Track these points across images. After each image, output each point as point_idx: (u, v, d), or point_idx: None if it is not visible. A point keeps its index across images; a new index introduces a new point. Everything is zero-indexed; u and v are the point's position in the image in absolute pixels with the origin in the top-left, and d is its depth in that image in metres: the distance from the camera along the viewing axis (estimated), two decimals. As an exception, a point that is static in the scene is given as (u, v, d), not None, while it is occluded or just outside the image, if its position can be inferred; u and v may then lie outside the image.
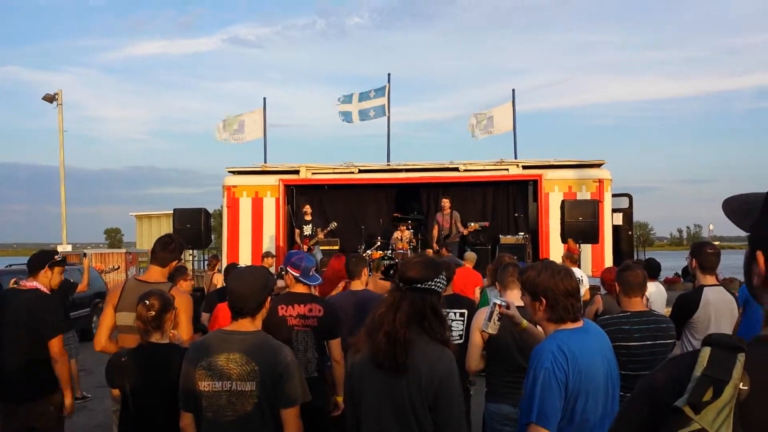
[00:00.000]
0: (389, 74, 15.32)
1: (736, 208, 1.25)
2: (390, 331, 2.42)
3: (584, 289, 7.76)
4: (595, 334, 2.60)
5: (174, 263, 4.11)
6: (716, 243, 6.31)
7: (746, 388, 1.04)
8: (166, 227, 20.69)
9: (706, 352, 1.09)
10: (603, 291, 6.55)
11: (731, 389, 1.03)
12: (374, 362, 2.46)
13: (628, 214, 13.29)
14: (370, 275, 5.35)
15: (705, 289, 4.25)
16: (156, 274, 4.03)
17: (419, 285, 2.49)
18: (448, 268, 3.94)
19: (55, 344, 4.04)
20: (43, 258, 4.33)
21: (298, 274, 4.08)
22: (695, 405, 1.03)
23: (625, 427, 1.21)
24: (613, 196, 12.52)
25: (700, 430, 1.03)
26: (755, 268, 1.17)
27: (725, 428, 1.03)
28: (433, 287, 2.51)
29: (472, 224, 12.21)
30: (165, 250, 4.04)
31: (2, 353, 4.16)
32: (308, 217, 12.34)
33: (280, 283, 4.49)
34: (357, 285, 4.82)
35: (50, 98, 21.97)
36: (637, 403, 1.19)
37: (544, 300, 2.56)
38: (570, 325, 2.54)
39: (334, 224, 12.37)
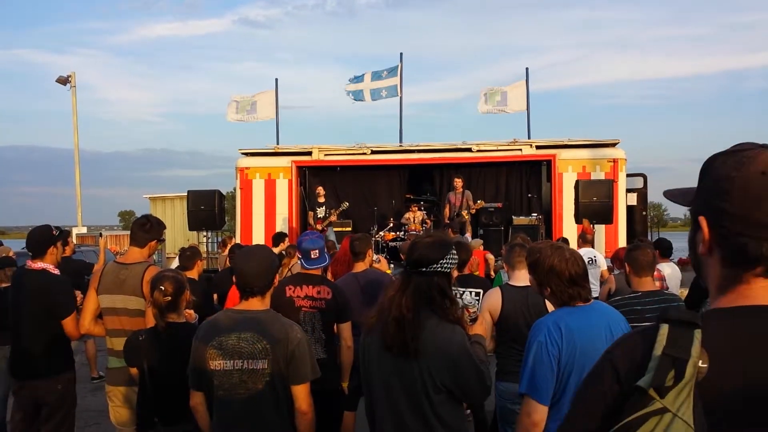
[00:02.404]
0: (401, 54, 15.19)
1: (677, 192, 1.31)
2: (398, 316, 2.43)
3: (601, 269, 7.74)
4: (601, 312, 2.60)
5: (153, 243, 4.11)
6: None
7: (705, 365, 1.05)
8: (180, 209, 20.77)
9: (665, 329, 1.08)
10: (616, 271, 6.53)
11: (691, 368, 1.04)
12: (384, 345, 2.48)
13: (642, 194, 13.18)
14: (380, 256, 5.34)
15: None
16: (135, 254, 4.05)
17: (424, 269, 2.48)
18: (463, 249, 3.92)
19: (69, 323, 4.09)
20: (46, 238, 4.26)
21: (300, 257, 4.09)
22: (659, 388, 1.04)
23: (585, 406, 1.20)
24: (628, 176, 12.41)
25: (662, 409, 1.04)
26: (699, 236, 1.19)
27: (686, 406, 1.03)
28: (439, 269, 2.48)
29: (479, 201, 12.17)
30: (142, 230, 4.06)
31: (16, 333, 4.24)
32: (321, 199, 12.37)
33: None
34: (360, 266, 4.75)
35: (64, 81, 22.04)
36: (598, 381, 1.18)
37: (548, 288, 2.58)
38: (576, 304, 2.56)
39: (345, 204, 12.40)
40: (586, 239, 8.26)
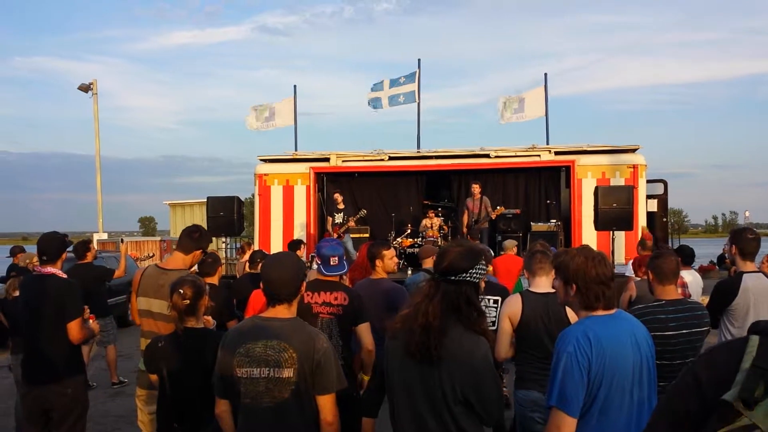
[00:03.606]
0: (419, 60, 15.23)
1: None
2: (424, 323, 2.42)
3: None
4: (626, 322, 2.55)
5: (198, 252, 4.16)
6: (753, 230, 6.15)
7: None
8: (200, 215, 20.94)
9: (755, 341, 1.02)
10: (637, 278, 6.45)
11: None
12: (408, 351, 2.47)
13: (662, 200, 13.05)
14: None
15: (744, 275, 4.18)
16: (177, 261, 4.11)
17: (453, 277, 2.47)
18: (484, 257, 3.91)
19: (74, 326, 4.12)
20: (59, 245, 4.34)
21: (319, 263, 4.11)
22: (747, 400, 0.97)
23: (667, 420, 1.15)
24: (648, 182, 12.29)
25: (751, 427, 0.97)
26: None
27: None
28: (468, 278, 2.48)
29: (499, 207, 12.11)
30: (189, 237, 4.13)
31: (27, 338, 4.29)
32: (340, 206, 12.39)
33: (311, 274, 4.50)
34: (377, 273, 4.78)
35: (85, 88, 22.35)
36: (681, 395, 1.13)
37: (574, 285, 2.52)
38: (601, 312, 2.51)
39: (363, 211, 12.42)
40: (646, 246, 7.64)
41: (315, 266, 4.33)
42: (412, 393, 2.49)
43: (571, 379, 2.34)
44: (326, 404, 2.73)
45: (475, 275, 2.49)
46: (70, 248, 4.77)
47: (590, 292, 2.50)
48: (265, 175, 13.17)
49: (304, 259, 9.05)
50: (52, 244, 4.31)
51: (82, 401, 4.32)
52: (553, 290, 3.29)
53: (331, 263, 4.08)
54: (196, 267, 4.64)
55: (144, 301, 4.00)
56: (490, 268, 7.06)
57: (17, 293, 5.72)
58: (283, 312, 2.80)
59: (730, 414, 0.98)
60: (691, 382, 1.11)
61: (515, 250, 8.74)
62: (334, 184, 13.52)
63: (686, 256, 6.46)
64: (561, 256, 2.65)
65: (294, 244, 9.53)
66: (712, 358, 1.12)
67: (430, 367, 2.42)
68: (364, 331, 4.06)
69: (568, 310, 3.59)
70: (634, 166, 11.94)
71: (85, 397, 4.40)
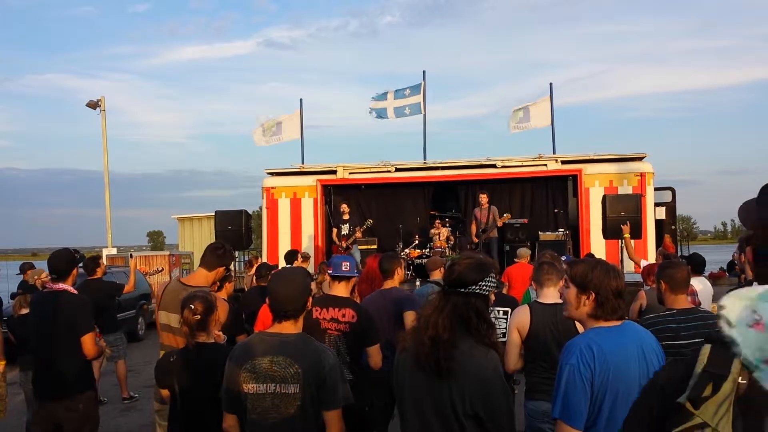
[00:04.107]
0: (424, 72, 15.25)
1: (745, 209, 1.42)
2: (434, 335, 2.42)
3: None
4: (633, 333, 2.52)
5: (221, 269, 4.17)
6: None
7: (745, 382, 1.12)
8: (208, 229, 20.98)
9: (707, 349, 1.17)
10: (646, 287, 6.41)
11: (730, 384, 1.11)
12: (417, 364, 2.47)
13: (671, 208, 13.01)
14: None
15: (755, 283, 4.15)
16: (200, 277, 4.12)
17: (463, 289, 2.47)
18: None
19: (88, 341, 4.16)
20: (70, 261, 4.39)
21: (330, 271, 4.14)
22: (695, 400, 1.11)
23: (635, 423, 1.31)
24: (656, 189, 12.25)
25: (702, 424, 1.11)
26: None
27: (725, 421, 1.10)
28: (477, 291, 2.48)
29: (506, 215, 12.07)
30: (213, 254, 4.14)
31: (38, 354, 4.33)
32: (346, 216, 12.40)
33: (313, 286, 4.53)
34: (388, 284, 4.80)
35: (93, 105, 22.48)
36: (646, 400, 1.29)
37: (593, 294, 2.48)
38: (608, 323, 2.49)
39: (370, 221, 12.43)
40: (666, 257, 7.42)
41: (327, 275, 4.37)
42: (422, 406, 2.48)
43: (574, 391, 2.32)
44: (333, 420, 2.74)
45: (484, 287, 2.49)
46: (81, 264, 4.80)
47: (608, 303, 2.47)
48: (272, 188, 13.23)
49: (311, 270, 9.06)
50: (62, 261, 4.36)
51: (92, 416, 4.34)
52: (561, 301, 3.28)
53: (343, 268, 4.13)
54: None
55: (164, 315, 4.02)
56: None
57: (24, 311, 5.78)
58: (290, 327, 2.81)
59: (683, 413, 1.13)
60: (655, 388, 1.28)
61: (528, 258, 8.72)
62: (341, 197, 13.56)
63: (697, 264, 6.42)
64: (577, 265, 2.62)
65: (289, 255, 9.57)
66: (672, 365, 1.29)
67: (440, 379, 2.41)
68: (374, 353, 4.03)
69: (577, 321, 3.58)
70: (642, 174, 11.91)
71: (96, 412, 4.42)
